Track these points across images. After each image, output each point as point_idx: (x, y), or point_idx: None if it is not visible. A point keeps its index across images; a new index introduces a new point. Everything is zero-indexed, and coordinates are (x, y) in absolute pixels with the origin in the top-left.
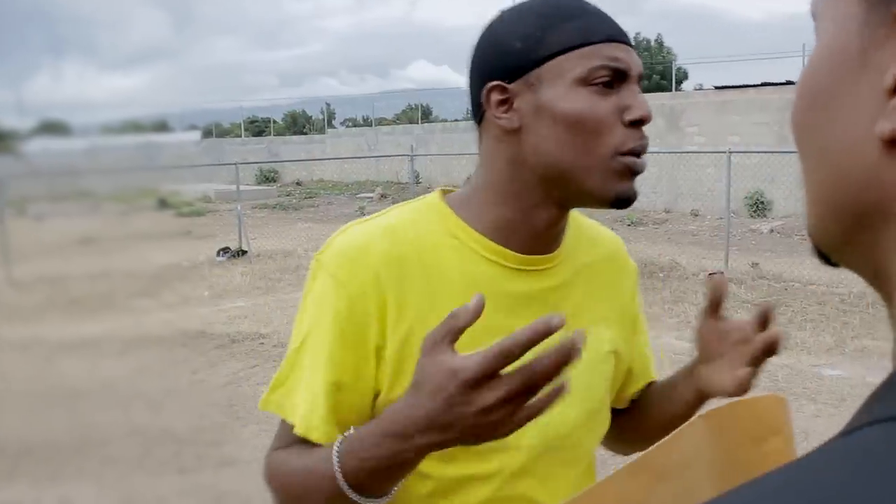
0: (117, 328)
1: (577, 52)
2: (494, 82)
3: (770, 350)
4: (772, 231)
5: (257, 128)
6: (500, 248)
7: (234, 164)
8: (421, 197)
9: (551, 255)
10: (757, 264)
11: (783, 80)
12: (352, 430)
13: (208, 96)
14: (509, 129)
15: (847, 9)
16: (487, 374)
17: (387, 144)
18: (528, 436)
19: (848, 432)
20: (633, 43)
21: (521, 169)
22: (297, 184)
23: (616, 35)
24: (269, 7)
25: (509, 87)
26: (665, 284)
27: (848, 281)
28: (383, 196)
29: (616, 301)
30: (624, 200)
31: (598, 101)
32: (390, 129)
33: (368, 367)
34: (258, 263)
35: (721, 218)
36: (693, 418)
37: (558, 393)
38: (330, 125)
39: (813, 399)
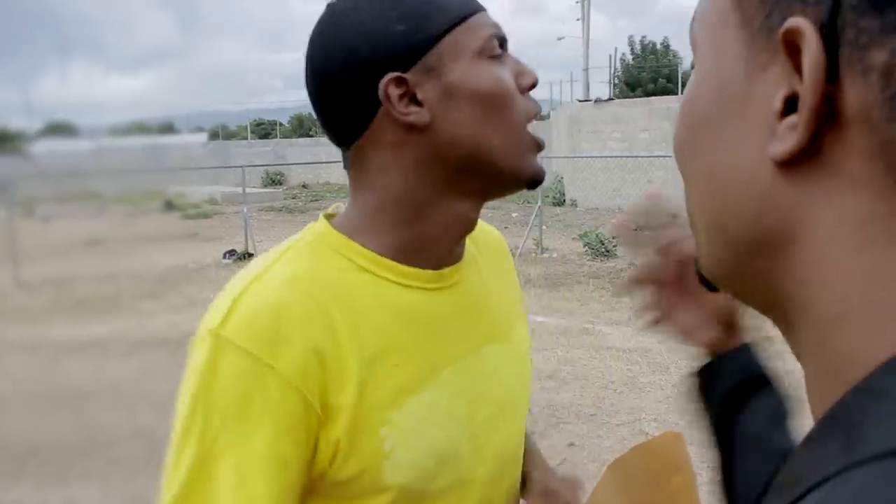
0: (123, 330)
1: (465, 24)
2: (390, 75)
3: None
4: None
5: (263, 130)
6: (413, 269)
7: (241, 166)
8: (307, 229)
9: (460, 263)
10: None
11: None
12: None
13: (214, 98)
14: (419, 126)
15: (728, 37)
16: None
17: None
18: (487, 463)
19: (816, 484)
20: None
21: (434, 169)
22: (304, 186)
23: (481, 5)
24: (275, 8)
25: (407, 76)
26: None
27: None
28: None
29: (516, 293)
30: (537, 179)
31: (500, 70)
32: None
33: (309, 455)
34: None
35: None
36: (604, 471)
37: None
38: None
39: None
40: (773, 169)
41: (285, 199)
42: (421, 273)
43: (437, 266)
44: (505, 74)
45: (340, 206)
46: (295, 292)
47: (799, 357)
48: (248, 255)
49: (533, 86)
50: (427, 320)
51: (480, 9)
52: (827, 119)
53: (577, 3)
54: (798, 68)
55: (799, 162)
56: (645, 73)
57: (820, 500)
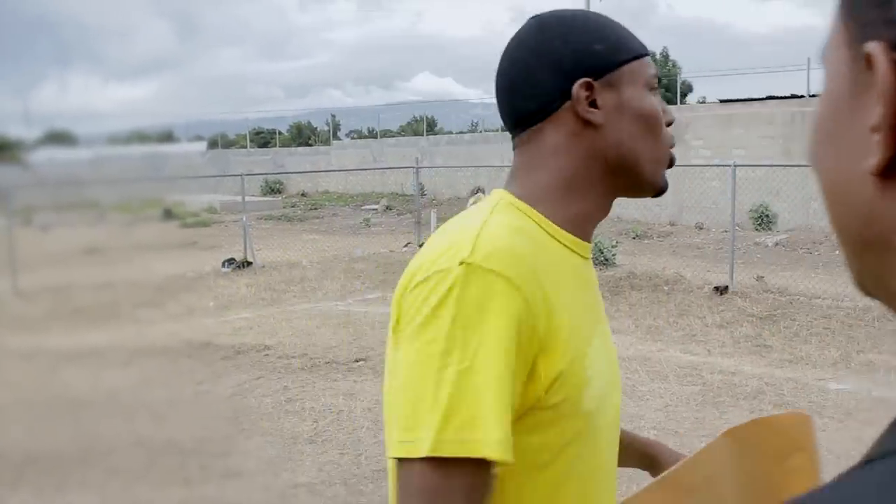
0: (122, 338)
1: (641, 60)
2: (584, 79)
3: None
4: (777, 244)
5: (263, 139)
6: (578, 240)
7: (240, 175)
8: (491, 200)
9: (589, 241)
10: (762, 277)
11: (788, 94)
12: None
13: (214, 107)
14: (593, 124)
15: (841, 56)
16: None
17: (392, 156)
18: (610, 414)
19: (872, 459)
20: None
21: (597, 161)
22: (303, 195)
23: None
24: (274, 18)
25: (595, 84)
26: (669, 297)
27: (853, 295)
28: (388, 208)
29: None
30: (664, 190)
31: (657, 103)
32: (395, 141)
33: (524, 376)
34: (263, 275)
35: (726, 231)
36: (718, 436)
37: None
38: (335, 137)
39: (818, 413)
40: (874, 181)
41: (284, 207)
42: (580, 243)
43: (587, 240)
44: (658, 106)
45: (481, 197)
46: (519, 238)
47: None
48: (247, 264)
49: (671, 123)
50: (586, 283)
51: (648, 53)
52: None
53: None
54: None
55: (890, 174)
56: None
57: (860, 474)
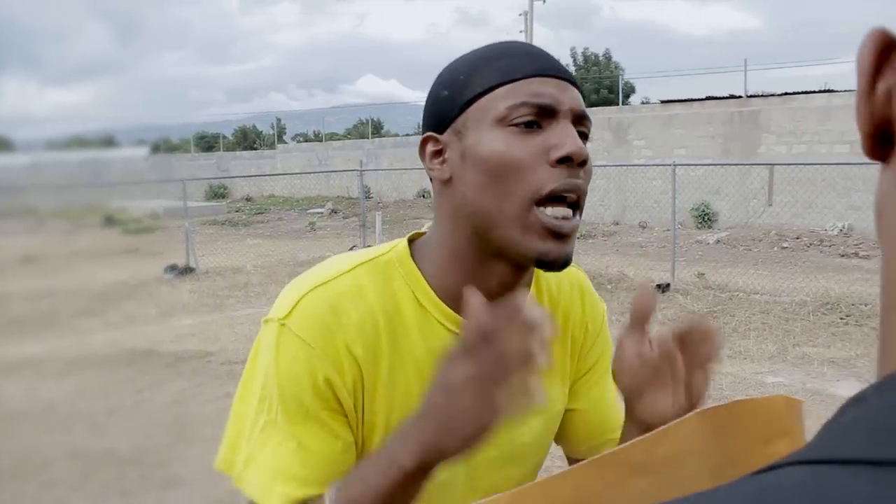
0: (60, 348)
1: (498, 91)
2: (427, 134)
3: (703, 362)
4: (717, 242)
5: (207, 143)
6: (455, 314)
7: (182, 179)
8: (391, 248)
9: None
10: (703, 274)
11: (726, 94)
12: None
13: (155, 111)
14: (443, 181)
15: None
16: (465, 349)
17: (337, 159)
18: (478, 496)
19: (774, 467)
20: (571, 77)
21: (457, 224)
22: (247, 199)
23: (545, 70)
24: (217, 21)
25: (440, 137)
26: (613, 296)
27: (790, 290)
28: (334, 211)
29: (574, 352)
30: (550, 263)
31: (519, 140)
32: (341, 145)
33: (351, 436)
34: (206, 281)
35: (668, 230)
36: (687, 415)
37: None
38: (280, 140)
39: None
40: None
41: (229, 212)
42: (458, 318)
43: None
44: (520, 145)
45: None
46: (356, 306)
47: None
48: (189, 270)
49: (568, 159)
50: None
51: (539, 74)
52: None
53: (520, 15)
54: None
55: (884, 155)
56: (588, 84)
57: (743, 484)
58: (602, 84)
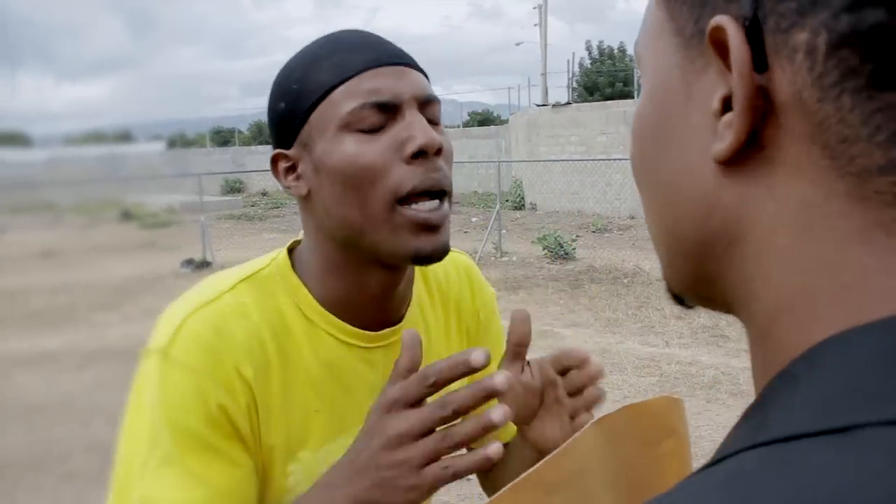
0: (78, 341)
1: (334, 94)
2: (275, 151)
3: (585, 398)
4: None
5: (222, 138)
6: (348, 327)
7: (198, 174)
8: (270, 260)
9: (399, 325)
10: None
11: None
12: None
13: (171, 106)
14: (303, 196)
15: (665, 46)
16: (406, 400)
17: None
18: None
19: (720, 459)
20: (408, 60)
21: (325, 237)
22: (263, 194)
23: (378, 59)
24: (231, 16)
25: (289, 153)
26: (629, 290)
27: None
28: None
29: (470, 344)
30: (426, 257)
31: (366, 144)
32: None
33: (251, 462)
34: None
35: None
36: (586, 426)
37: (482, 459)
38: None
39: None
40: (716, 170)
41: (245, 206)
42: (355, 332)
43: (375, 326)
44: (368, 148)
45: None
46: (241, 325)
47: (750, 352)
48: (205, 264)
49: (418, 154)
50: (354, 375)
51: (373, 65)
52: (765, 112)
53: (535, 8)
54: (729, 66)
55: (741, 159)
56: (602, 78)
57: (705, 475)
58: (617, 77)
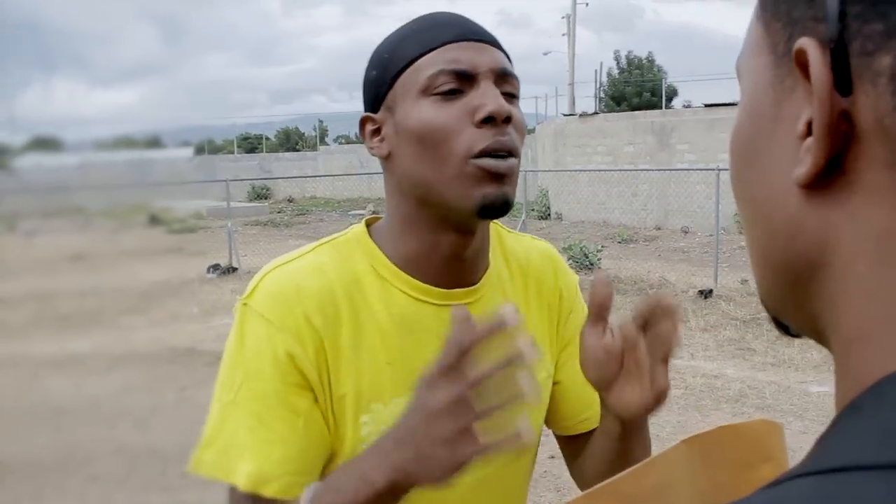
0: (105, 345)
1: (417, 63)
2: (364, 115)
3: (664, 348)
4: None
5: (250, 144)
6: (422, 284)
7: (225, 180)
8: (349, 229)
9: (475, 286)
10: (746, 281)
11: None
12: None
13: (200, 112)
14: (384, 157)
15: (760, 64)
16: (442, 371)
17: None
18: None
19: (775, 483)
20: (491, 39)
21: (403, 196)
22: (289, 201)
23: (463, 35)
24: (260, 24)
25: (376, 116)
26: None
27: None
28: (374, 213)
29: (552, 321)
30: (490, 206)
31: (441, 108)
32: None
33: (316, 411)
34: (248, 280)
35: (711, 235)
36: (673, 445)
37: (513, 438)
38: (322, 142)
39: (800, 416)
40: (799, 193)
41: (271, 213)
42: (428, 288)
43: (447, 285)
44: (443, 112)
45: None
46: (312, 279)
47: (835, 383)
48: (232, 270)
49: (491, 118)
50: (426, 331)
51: (456, 39)
52: (847, 136)
53: (563, 18)
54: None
55: (823, 184)
56: (630, 88)
57: (752, 497)
58: (645, 87)
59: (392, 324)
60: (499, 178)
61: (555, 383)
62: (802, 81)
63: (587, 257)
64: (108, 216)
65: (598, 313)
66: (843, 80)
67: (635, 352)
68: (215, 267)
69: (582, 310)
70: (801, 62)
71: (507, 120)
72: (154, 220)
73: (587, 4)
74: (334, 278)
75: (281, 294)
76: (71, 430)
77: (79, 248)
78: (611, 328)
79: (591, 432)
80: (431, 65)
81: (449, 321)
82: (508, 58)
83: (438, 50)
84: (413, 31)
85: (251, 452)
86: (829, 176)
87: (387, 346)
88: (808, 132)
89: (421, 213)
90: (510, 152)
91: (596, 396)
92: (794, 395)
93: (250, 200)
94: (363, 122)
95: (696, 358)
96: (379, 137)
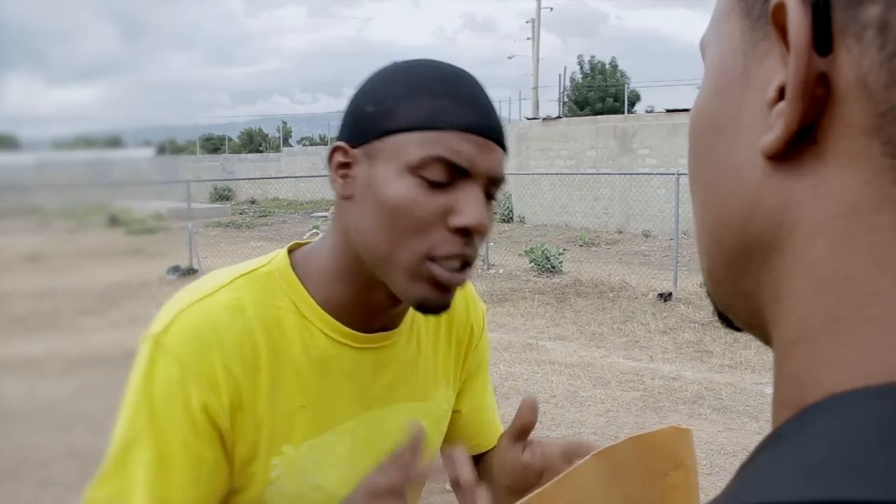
0: (61, 347)
1: (419, 134)
2: (339, 143)
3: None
4: None
5: (213, 145)
6: (342, 327)
7: (186, 181)
8: (269, 256)
9: (396, 330)
10: (705, 284)
11: None
12: None
13: (161, 112)
14: (344, 196)
15: (732, 30)
16: (391, 490)
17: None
18: None
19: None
20: (498, 136)
21: (346, 244)
22: (252, 202)
23: (473, 125)
24: (224, 24)
25: (351, 151)
26: (615, 304)
27: None
28: None
29: (460, 354)
30: (426, 308)
31: (423, 195)
32: None
33: (222, 460)
34: None
35: (671, 239)
36: (587, 457)
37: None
38: (286, 144)
39: (755, 417)
40: (764, 166)
41: (233, 214)
42: (350, 333)
43: (368, 330)
44: (423, 201)
45: (318, 232)
46: (235, 320)
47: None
48: (192, 272)
49: (463, 230)
50: (343, 374)
51: (466, 129)
52: (822, 101)
53: (527, 22)
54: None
55: (791, 154)
56: (593, 93)
57: None
58: (608, 92)
59: (310, 366)
60: (447, 288)
61: (455, 412)
62: (778, 44)
63: (549, 260)
64: (65, 216)
65: (520, 433)
66: (822, 38)
67: (555, 473)
68: (175, 269)
69: (485, 339)
70: (779, 21)
71: (479, 231)
72: (113, 221)
73: (552, 9)
74: (253, 317)
75: (197, 336)
76: (24, 434)
77: (35, 249)
78: (531, 446)
79: (486, 453)
80: (432, 145)
81: (363, 364)
82: (506, 151)
83: (446, 132)
84: (427, 91)
85: (149, 497)
86: (799, 147)
87: (304, 390)
88: (780, 97)
89: (359, 268)
90: (468, 263)
91: (490, 422)
92: (751, 397)
93: (212, 202)
94: (335, 150)
95: (655, 360)
96: (346, 174)
